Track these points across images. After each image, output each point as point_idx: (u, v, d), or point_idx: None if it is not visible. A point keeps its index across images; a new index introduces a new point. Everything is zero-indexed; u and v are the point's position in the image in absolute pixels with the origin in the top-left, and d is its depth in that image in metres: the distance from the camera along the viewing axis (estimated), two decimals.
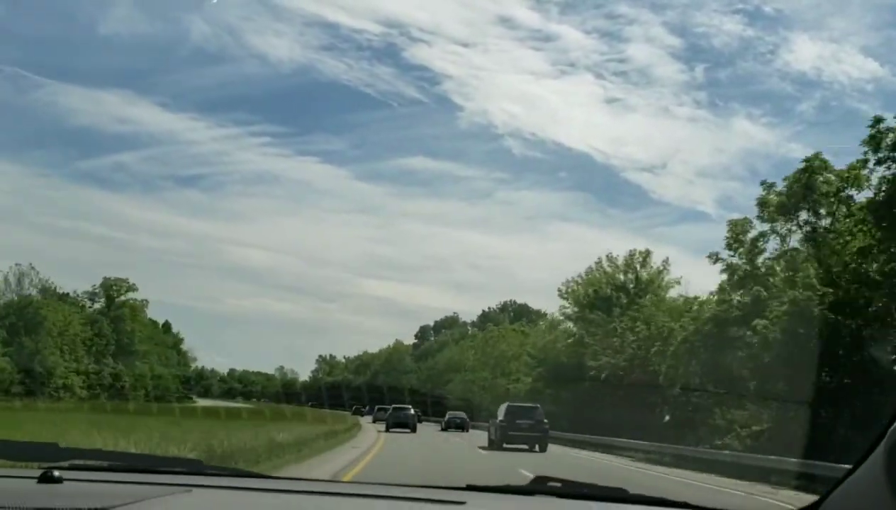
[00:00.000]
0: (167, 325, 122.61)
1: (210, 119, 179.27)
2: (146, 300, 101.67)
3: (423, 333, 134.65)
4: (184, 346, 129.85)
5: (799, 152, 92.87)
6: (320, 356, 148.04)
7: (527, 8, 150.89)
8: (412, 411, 50.95)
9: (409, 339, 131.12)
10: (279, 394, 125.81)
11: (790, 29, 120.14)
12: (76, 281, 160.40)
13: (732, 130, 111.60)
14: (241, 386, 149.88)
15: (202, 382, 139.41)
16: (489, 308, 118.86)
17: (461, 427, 54.42)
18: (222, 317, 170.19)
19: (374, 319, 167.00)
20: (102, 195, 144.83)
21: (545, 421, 33.52)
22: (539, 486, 2.54)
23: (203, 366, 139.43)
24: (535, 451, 32.33)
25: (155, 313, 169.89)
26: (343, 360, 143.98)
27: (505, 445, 32.71)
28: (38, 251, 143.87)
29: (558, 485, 2.55)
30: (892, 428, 1.80)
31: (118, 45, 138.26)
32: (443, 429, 54.44)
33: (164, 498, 2.09)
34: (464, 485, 2.57)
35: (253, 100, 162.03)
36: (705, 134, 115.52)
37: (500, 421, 33.53)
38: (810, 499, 2.28)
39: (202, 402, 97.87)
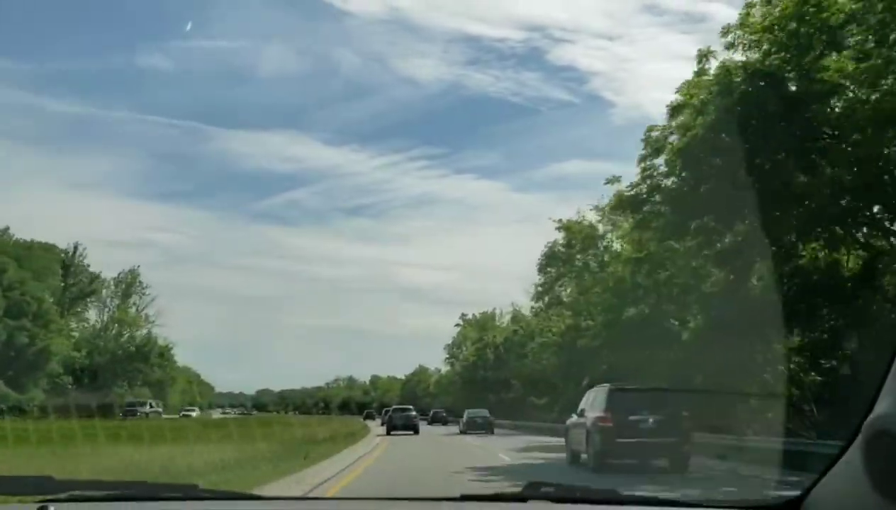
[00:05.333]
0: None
1: (370, 149, 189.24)
2: None
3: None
4: (133, 304, 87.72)
5: None
6: (446, 345, 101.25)
7: None
8: (413, 412, 46.49)
9: None
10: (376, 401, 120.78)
11: None
12: (263, 316, 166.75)
13: None
14: (365, 394, 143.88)
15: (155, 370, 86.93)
16: None
17: (483, 428, 45.30)
18: (396, 338, 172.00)
19: None
20: (279, 231, 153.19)
21: (684, 414, 18.28)
22: (532, 492, 2.48)
23: (167, 340, 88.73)
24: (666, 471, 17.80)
25: (338, 340, 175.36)
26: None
27: (609, 460, 17.88)
28: (226, 290, 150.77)
29: (551, 489, 2.50)
30: (867, 421, 1.73)
31: (276, 86, 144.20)
32: (461, 432, 46.00)
33: None
34: (458, 496, 2.53)
35: (407, 125, 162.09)
36: None
37: (598, 419, 18.17)
38: (794, 491, 2.17)
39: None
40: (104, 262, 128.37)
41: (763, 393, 22.94)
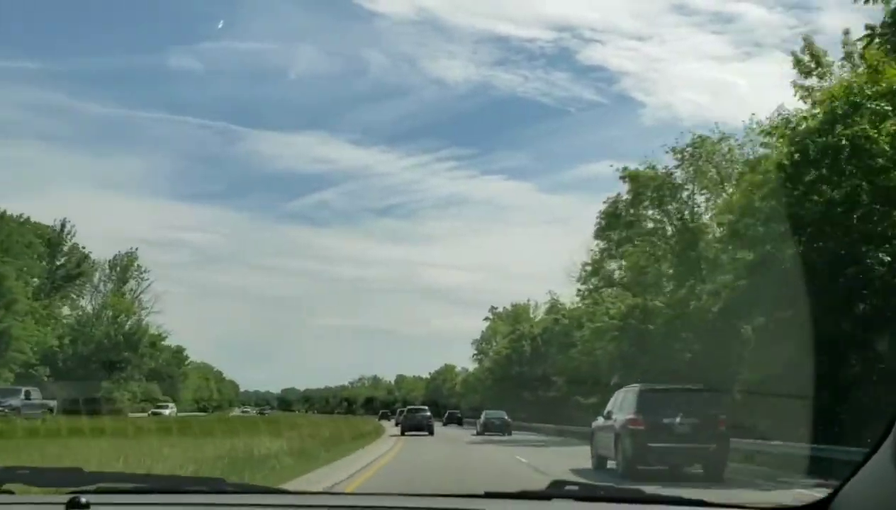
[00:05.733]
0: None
1: (399, 150, 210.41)
2: None
3: None
4: (130, 290, 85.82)
5: None
6: (474, 340, 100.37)
7: None
8: (427, 413, 49.90)
9: None
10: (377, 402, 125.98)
11: None
12: (291, 316, 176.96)
13: None
14: (389, 394, 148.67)
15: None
16: None
17: (501, 429, 49.56)
18: (422, 338, 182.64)
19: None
20: (308, 232, 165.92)
21: (722, 416, 18.69)
22: (557, 491, 2.68)
23: (161, 328, 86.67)
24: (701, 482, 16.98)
25: (363, 339, 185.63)
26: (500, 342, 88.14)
27: (640, 466, 18.20)
28: (255, 290, 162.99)
29: (576, 488, 2.71)
30: None
31: (306, 87, 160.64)
32: (478, 434, 50.09)
33: None
34: (482, 493, 2.72)
35: (436, 126, 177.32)
36: None
37: (629, 422, 18.29)
38: (824, 490, 2.41)
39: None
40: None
41: (790, 394, 23.41)
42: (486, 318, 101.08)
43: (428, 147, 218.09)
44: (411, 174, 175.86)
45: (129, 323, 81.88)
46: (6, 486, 2.67)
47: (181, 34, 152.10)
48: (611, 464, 19.74)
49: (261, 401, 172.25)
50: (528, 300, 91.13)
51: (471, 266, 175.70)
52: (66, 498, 2.39)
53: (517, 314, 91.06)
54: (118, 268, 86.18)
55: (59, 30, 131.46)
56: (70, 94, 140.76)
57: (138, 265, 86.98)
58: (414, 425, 46.48)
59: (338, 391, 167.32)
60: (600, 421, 21.15)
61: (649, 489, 2.71)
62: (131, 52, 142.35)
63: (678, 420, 18.11)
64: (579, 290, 53.57)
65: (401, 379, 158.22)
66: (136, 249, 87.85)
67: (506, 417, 52.22)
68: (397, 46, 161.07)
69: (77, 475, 2.78)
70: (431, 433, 45.47)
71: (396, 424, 56.09)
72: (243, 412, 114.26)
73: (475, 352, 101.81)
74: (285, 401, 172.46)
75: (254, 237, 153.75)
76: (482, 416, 53.62)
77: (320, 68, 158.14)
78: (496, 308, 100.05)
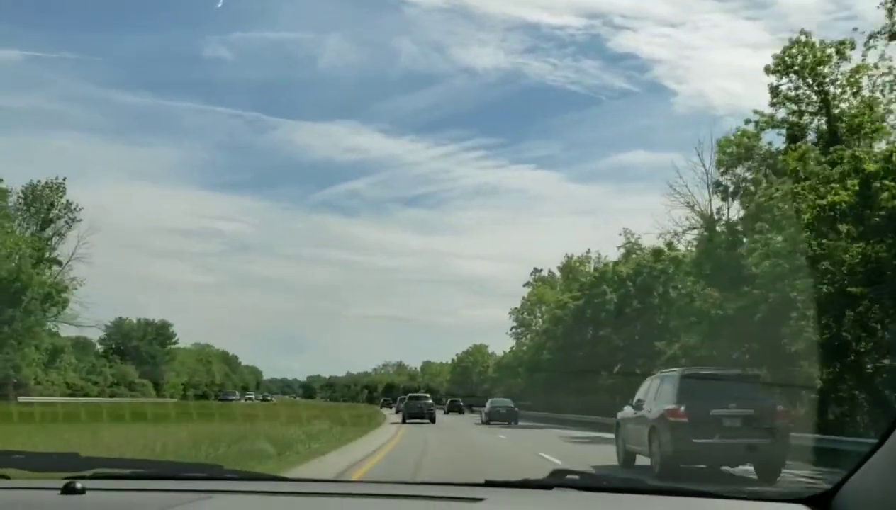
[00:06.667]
0: None
1: (428, 139, 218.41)
2: None
3: None
4: (55, 233, 70.37)
5: None
6: (513, 310, 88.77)
7: None
8: (429, 400, 51.29)
9: None
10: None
11: None
12: (319, 304, 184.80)
13: None
14: (412, 380, 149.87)
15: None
16: None
17: (507, 418, 50.84)
18: (451, 328, 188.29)
19: None
20: (339, 221, 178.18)
21: (780, 406, 17.25)
22: (558, 480, 2.75)
23: (62, 277, 68.91)
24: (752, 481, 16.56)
25: (391, 329, 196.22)
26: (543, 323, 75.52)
27: (681, 465, 16.56)
28: (285, 279, 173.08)
29: (577, 477, 2.77)
30: None
31: (336, 78, 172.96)
32: (483, 422, 51.40)
33: (185, 505, 2.35)
34: (482, 481, 2.80)
35: (465, 115, 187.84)
36: None
37: (668, 413, 16.42)
38: (829, 481, 2.49)
39: None
40: (168, 251, 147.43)
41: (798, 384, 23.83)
42: (527, 284, 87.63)
43: (457, 136, 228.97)
44: (440, 164, 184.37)
45: (10, 264, 60.91)
46: (1, 471, 2.79)
47: (214, 24, 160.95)
48: (641, 459, 18.49)
49: (286, 388, 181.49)
50: (588, 251, 77.56)
51: (499, 256, 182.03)
52: (61, 483, 2.49)
53: (570, 269, 76.62)
54: (37, 205, 69.84)
55: (95, 22, 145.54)
56: (105, 85, 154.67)
57: (67, 201, 71.47)
58: (415, 413, 47.68)
59: (360, 378, 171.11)
60: (628, 411, 19.47)
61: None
62: (165, 43, 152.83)
63: (730, 411, 16.43)
64: (720, 184, 37.20)
65: (427, 365, 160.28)
66: (65, 179, 72.16)
67: (512, 406, 53.47)
68: (426, 34, 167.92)
69: (73, 460, 2.90)
70: (433, 421, 47.04)
71: (397, 412, 58.43)
72: (254, 399, 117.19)
73: (514, 324, 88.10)
74: (309, 389, 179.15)
75: (284, 226, 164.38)
76: (487, 404, 55.37)
77: (350, 57, 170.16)
78: (540, 270, 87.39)
